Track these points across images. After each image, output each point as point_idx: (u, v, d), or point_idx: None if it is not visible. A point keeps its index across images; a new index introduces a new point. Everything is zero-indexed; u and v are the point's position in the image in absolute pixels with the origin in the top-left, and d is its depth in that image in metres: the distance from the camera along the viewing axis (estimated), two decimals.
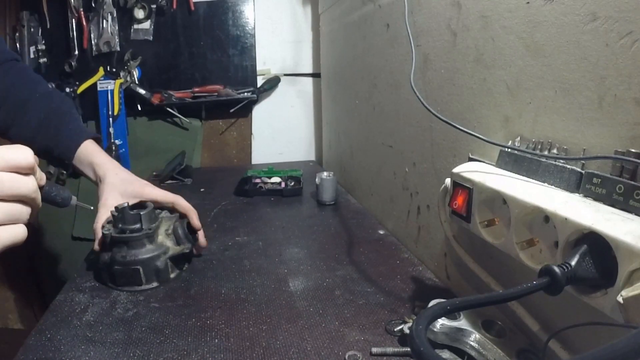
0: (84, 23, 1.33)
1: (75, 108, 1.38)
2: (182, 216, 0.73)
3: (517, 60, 0.49)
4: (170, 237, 0.69)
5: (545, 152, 0.45)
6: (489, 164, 0.53)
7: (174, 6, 1.38)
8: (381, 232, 0.87)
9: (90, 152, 0.77)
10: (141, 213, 0.65)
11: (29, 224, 0.46)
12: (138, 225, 0.65)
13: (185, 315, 0.58)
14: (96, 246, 0.68)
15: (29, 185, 0.43)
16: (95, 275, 0.69)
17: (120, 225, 0.65)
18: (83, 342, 0.52)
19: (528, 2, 0.46)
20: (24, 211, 0.43)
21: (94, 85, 1.37)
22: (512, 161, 0.49)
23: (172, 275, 0.68)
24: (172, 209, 0.74)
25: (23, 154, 0.42)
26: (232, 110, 1.46)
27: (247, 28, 1.46)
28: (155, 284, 0.66)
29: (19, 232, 0.43)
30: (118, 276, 0.65)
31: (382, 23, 0.86)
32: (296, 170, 1.16)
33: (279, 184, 1.12)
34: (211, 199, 1.10)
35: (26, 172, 0.43)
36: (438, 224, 0.62)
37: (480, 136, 0.50)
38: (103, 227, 0.66)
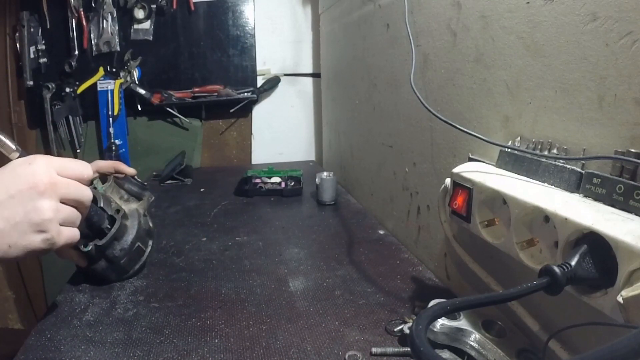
0: (84, 23, 1.33)
1: None
2: (109, 175, 0.73)
3: (517, 60, 0.49)
4: (130, 199, 0.70)
5: (545, 152, 0.45)
6: (489, 164, 0.53)
7: (174, 6, 1.38)
8: (381, 232, 0.87)
9: None
10: (100, 205, 0.62)
11: None
12: (106, 215, 0.62)
13: (185, 315, 0.58)
14: (82, 262, 0.64)
15: (88, 193, 0.52)
16: (97, 282, 0.67)
17: (88, 229, 0.61)
18: (83, 342, 0.52)
19: (528, 2, 0.46)
20: (79, 216, 0.51)
21: (94, 85, 1.37)
22: (512, 161, 0.49)
23: (151, 224, 0.72)
24: (102, 176, 0.74)
25: (86, 167, 0.52)
26: (232, 110, 1.46)
27: (247, 28, 1.46)
28: (150, 243, 0.69)
29: (75, 234, 0.51)
30: (125, 266, 0.65)
31: (382, 23, 0.86)
32: (296, 170, 1.16)
33: (279, 184, 1.12)
34: (211, 199, 1.10)
35: (86, 183, 0.52)
36: (438, 224, 0.62)
37: (480, 136, 0.50)
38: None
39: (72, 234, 0.50)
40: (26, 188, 0.46)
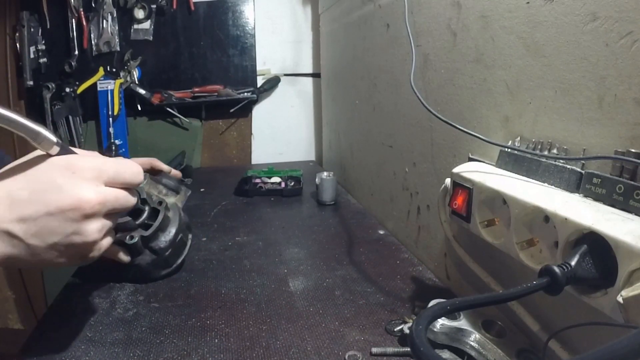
0: (84, 23, 1.33)
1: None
2: (150, 172, 0.75)
3: (517, 60, 0.49)
4: (168, 194, 0.70)
5: (545, 152, 0.45)
6: (489, 164, 0.53)
7: (174, 6, 1.38)
8: (381, 232, 0.87)
9: None
10: (142, 197, 0.62)
11: None
12: (147, 208, 0.62)
13: (185, 315, 0.58)
14: (126, 258, 0.60)
15: (133, 201, 0.46)
16: (139, 279, 0.67)
17: (132, 222, 0.60)
18: (83, 342, 0.52)
19: (528, 2, 0.46)
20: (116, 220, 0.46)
21: (94, 85, 1.37)
22: (512, 161, 0.49)
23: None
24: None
25: (139, 173, 0.46)
26: (232, 110, 1.46)
27: (247, 28, 1.46)
28: (190, 236, 0.70)
29: (110, 241, 0.45)
30: (169, 259, 0.66)
31: (382, 23, 0.86)
32: (296, 170, 1.16)
33: (279, 184, 1.12)
34: (211, 199, 1.10)
35: (134, 188, 0.46)
36: (438, 224, 0.62)
37: (480, 136, 0.50)
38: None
39: (109, 242, 0.45)
40: (69, 207, 0.38)
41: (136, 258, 0.63)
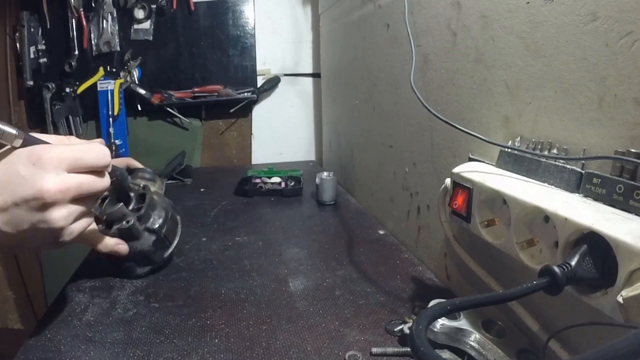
0: (84, 23, 1.33)
1: None
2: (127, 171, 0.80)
3: (517, 60, 0.49)
4: (149, 183, 0.77)
5: (545, 152, 0.45)
6: (489, 164, 0.53)
7: (174, 6, 1.38)
8: (381, 232, 0.87)
9: None
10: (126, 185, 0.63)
11: None
12: (132, 194, 0.66)
13: (185, 315, 0.58)
14: (124, 248, 0.62)
15: (104, 183, 0.46)
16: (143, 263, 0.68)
17: (123, 207, 0.62)
18: (83, 342, 0.52)
19: (528, 2, 0.46)
20: (90, 208, 0.47)
21: (94, 85, 1.37)
22: (512, 161, 0.49)
23: None
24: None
25: (102, 155, 0.45)
26: (232, 110, 1.46)
27: (247, 28, 1.46)
28: (179, 217, 0.73)
29: (85, 224, 0.46)
30: (168, 236, 0.68)
31: (382, 23, 0.86)
32: (296, 170, 1.16)
33: (279, 184, 1.12)
34: (211, 199, 1.10)
35: (102, 170, 0.46)
36: (438, 224, 0.62)
37: (480, 136, 0.50)
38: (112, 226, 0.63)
39: (82, 226, 0.46)
40: (31, 197, 0.40)
41: (137, 244, 0.65)
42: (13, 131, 0.41)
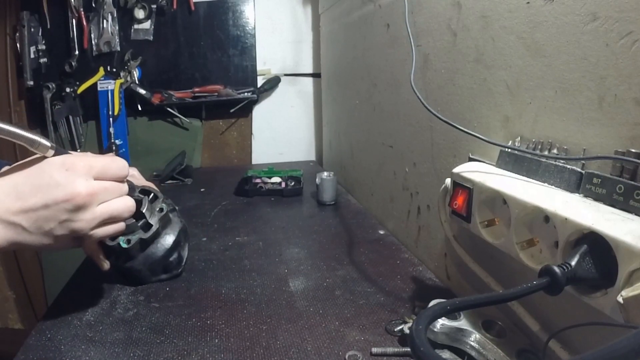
0: (84, 23, 1.33)
1: None
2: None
3: (517, 60, 0.49)
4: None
5: (546, 152, 0.45)
6: (489, 164, 0.53)
7: (174, 6, 1.38)
8: (381, 232, 0.87)
9: None
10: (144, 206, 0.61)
11: None
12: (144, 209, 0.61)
13: (185, 315, 0.58)
14: (105, 265, 0.60)
15: (125, 190, 0.52)
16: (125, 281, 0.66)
17: (134, 224, 0.60)
18: (83, 342, 0.52)
19: (528, 2, 0.46)
20: (118, 215, 0.51)
21: (94, 85, 1.37)
22: (512, 161, 0.49)
23: None
24: None
25: (123, 166, 0.51)
26: (232, 110, 1.46)
27: (247, 28, 1.46)
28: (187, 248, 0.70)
29: (113, 229, 0.52)
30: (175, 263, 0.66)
31: (382, 23, 0.86)
32: (296, 170, 1.16)
33: (279, 184, 1.12)
34: (211, 199, 1.10)
35: (123, 180, 0.52)
36: (438, 224, 0.62)
37: (480, 136, 0.50)
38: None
39: (105, 232, 0.50)
40: (62, 199, 0.44)
41: (151, 252, 0.63)
42: (47, 143, 0.46)
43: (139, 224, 0.60)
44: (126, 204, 0.52)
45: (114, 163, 0.50)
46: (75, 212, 0.46)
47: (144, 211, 0.60)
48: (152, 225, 0.61)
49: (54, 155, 0.47)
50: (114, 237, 0.58)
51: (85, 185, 0.46)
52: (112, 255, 0.61)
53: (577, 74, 0.41)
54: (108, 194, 0.49)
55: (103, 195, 0.48)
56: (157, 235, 0.63)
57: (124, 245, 0.58)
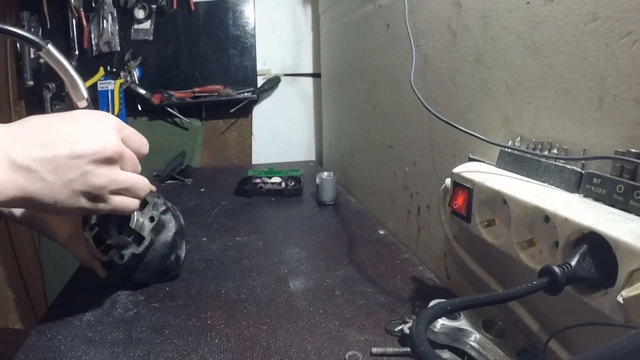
0: (84, 23, 1.33)
1: None
2: None
3: (517, 60, 0.49)
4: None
5: (546, 152, 0.45)
6: (489, 164, 0.53)
7: (174, 6, 1.38)
8: (381, 232, 0.87)
9: None
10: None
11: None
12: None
13: (185, 315, 0.58)
14: (102, 275, 0.62)
15: (139, 169, 0.50)
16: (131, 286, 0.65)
17: (125, 239, 0.58)
18: (83, 342, 0.52)
19: (528, 2, 0.46)
20: (133, 187, 0.49)
21: (94, 85, 1.37)
22: (512, 161, 0.49)
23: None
24: None
25: (145, 143, 0.51)
26: (232, 110, 1.46)
27: (247, 28, 1.46)
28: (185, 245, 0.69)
29: (128, 205, 0.49)
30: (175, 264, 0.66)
31: (382, 23, 0.86)
32: (296, 170, 1.16)
33: (279, 184, 1.12)
34: (211, 199, 1.10)
35: (141, 157, 0.50)
36: (438, 224, 0.62)
37: (480, 136, 0.50)
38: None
39: (119, 202, 0.47)
40: (92, 150, 0.42)
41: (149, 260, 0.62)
42: (85, 93, 0.48)
43: (130, 239, 0.59)
44: (145, 182, 0.50)
45: (139, 136, 0.50)
46: (100, 166, 0.43)
47: (133, 227, 0.57)
48: (144, 238, 0.59)
49: (85, 108, 0.46)
50: (115, 247, 0.58)
51: (117, 141, 0.45)
52: (108, 269, 0.61)
53: (577, 74, 0.41)
54: (130, 163, 0.47)
55: (127, 160, 0.47)
56: (151, 245, 0.61)
57: (118, 262, 0.58)
